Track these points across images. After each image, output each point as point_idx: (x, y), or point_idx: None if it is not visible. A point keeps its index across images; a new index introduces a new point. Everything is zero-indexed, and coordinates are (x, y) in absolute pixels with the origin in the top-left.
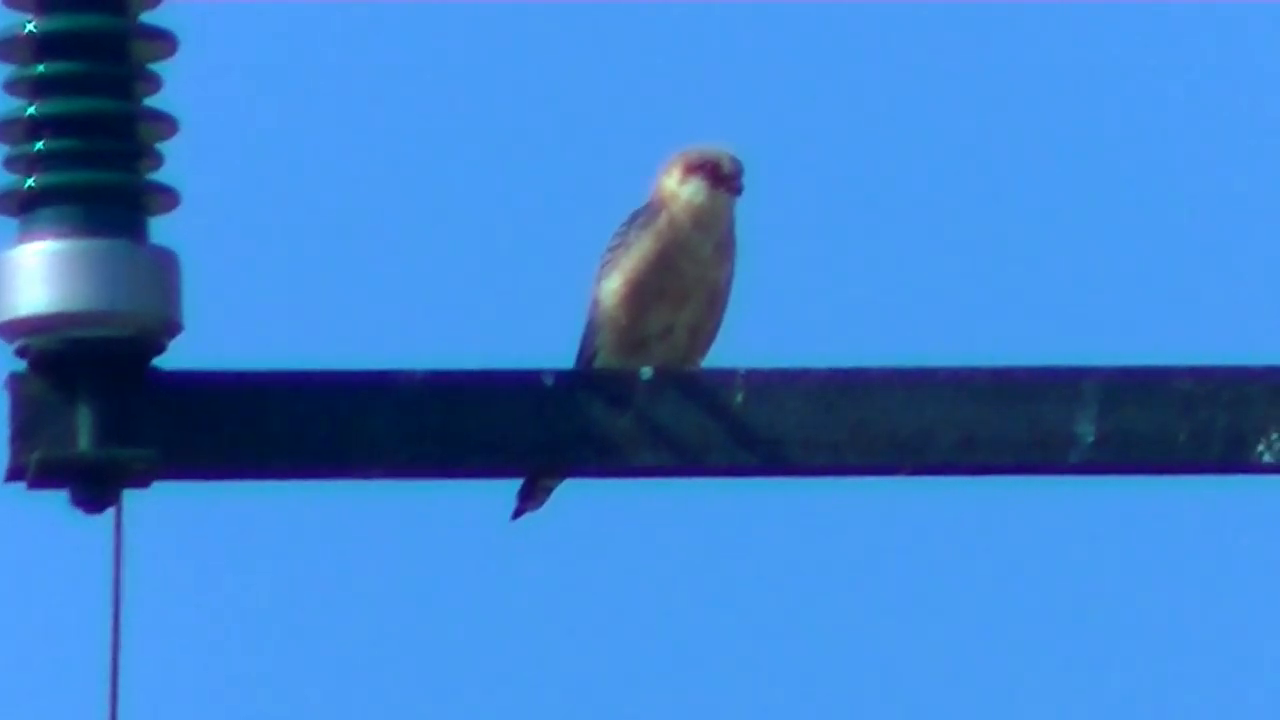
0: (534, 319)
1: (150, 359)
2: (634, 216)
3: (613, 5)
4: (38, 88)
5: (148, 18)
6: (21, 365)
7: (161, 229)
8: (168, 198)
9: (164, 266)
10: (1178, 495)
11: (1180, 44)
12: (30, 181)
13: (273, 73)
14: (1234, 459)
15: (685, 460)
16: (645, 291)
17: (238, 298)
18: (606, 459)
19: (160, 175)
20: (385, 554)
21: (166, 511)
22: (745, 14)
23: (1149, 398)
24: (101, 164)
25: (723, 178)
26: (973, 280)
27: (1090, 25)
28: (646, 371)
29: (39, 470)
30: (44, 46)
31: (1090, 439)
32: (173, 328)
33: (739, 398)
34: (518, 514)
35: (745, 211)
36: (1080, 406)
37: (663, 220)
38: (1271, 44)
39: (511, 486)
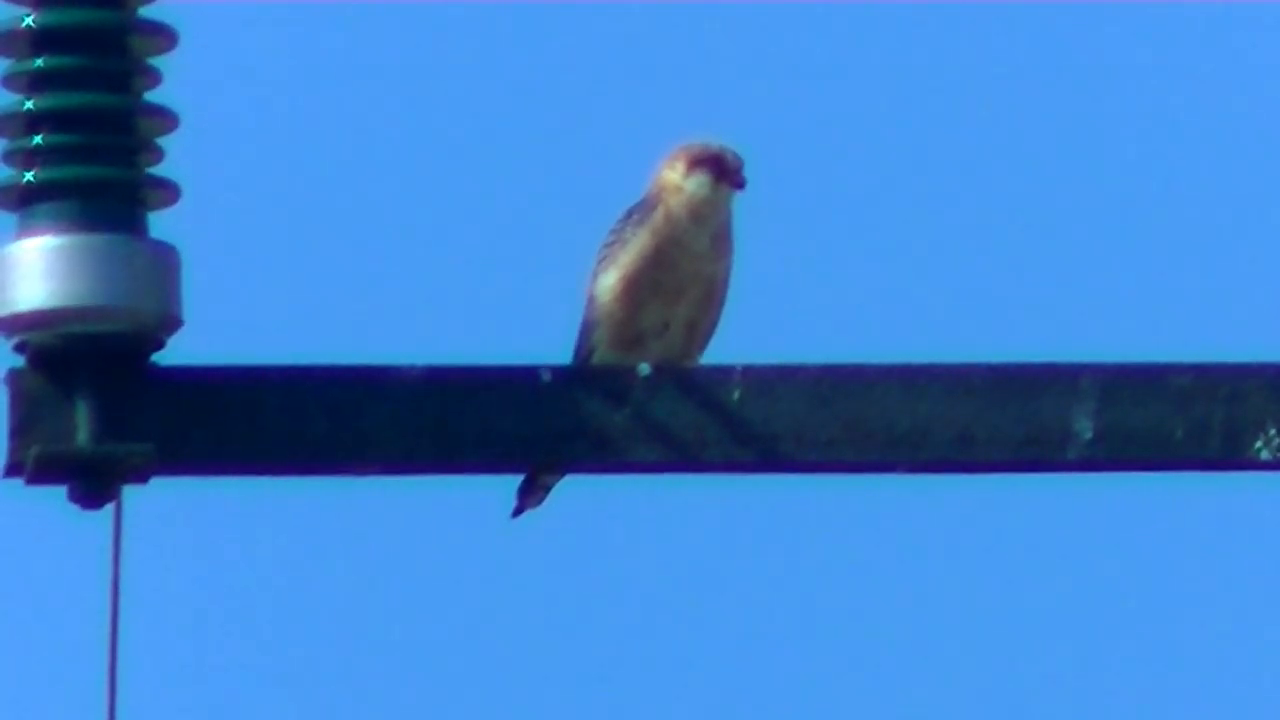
0: (531, 315)
1: (149, 354)
2: (630, 212)
3: (611, 4)
4: (36, 82)
5: (146, 12)
6: (20, 361)
7: (161, 224)
8: (167, 192)
9: (163, 261)
10: (1175, 491)
11: (1179, 43)
12: (29, 176)
13: (273, 67)
14: (1231, 455)
15: (682, 456)
16: (641, 287)
17: (237, 292)
18: (604, 455)
19: (160, 170)
20: (384, 551)
21: (165, 507)
22: (742, 11)
23: (1147, 394)
24: (100, 159)
25: (727, 172)
26: (970, 276)
27: (1088, 24)
28: (644, 367)
29: (37, 466)
30: (42, 40)
31: (1088, 435)
32: (172, 323)
33: (736, 394)
34: (517, 512)
35: (743, 207)
36: (1078, 403)
37: (659, 215)
38: (1271, 44)
39: (510, 484)
